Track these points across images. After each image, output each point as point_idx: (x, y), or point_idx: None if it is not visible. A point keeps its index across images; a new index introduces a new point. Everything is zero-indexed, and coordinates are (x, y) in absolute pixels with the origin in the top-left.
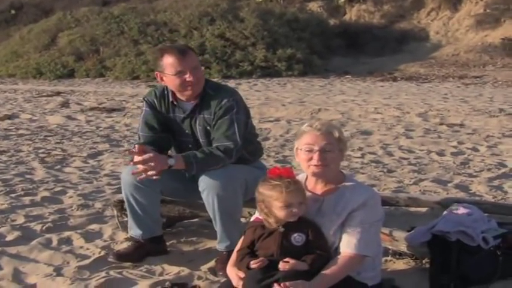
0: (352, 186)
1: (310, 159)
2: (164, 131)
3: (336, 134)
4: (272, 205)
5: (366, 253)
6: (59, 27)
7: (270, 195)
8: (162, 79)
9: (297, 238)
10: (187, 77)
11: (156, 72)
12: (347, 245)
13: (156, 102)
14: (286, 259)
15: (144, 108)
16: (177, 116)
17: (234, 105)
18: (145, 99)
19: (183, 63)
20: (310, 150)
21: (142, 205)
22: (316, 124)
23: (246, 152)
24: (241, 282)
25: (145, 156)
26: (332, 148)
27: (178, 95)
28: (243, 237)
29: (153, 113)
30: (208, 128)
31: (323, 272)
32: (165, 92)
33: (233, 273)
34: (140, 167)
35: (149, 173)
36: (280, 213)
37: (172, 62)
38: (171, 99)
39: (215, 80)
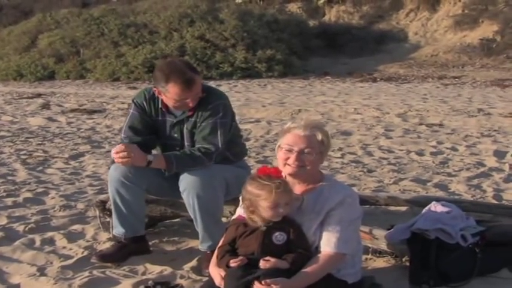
0: (330, 185)
1: (287, 158)
2: (149, 133)
3: (319, 137)
4: (259, 204)
5: (345, 251)
6: (39, 28)
7: (258, 195)
8: (159, 93)
9: (279, 237)
10: (189, 102)
11: (154, 88)
12: (327, 243)
13: (145, 105)
14: (267, 258)
15: (131, 110)
16: (167, 120)
17: (220, 109)
18: (135, 101)
19: (187, 94)
20: (289, 151)
21: (127, 202)
22: (301, 124)
23: (229, 153)
24: (223, 282)
25: (122, 147)
26: (311, 151)
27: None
28: (224, 235)
29: (141, 115)
30: (194, 130)
31: (304, 270)
32: (155, 96)
33: (215, 272)
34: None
35: (124, 160)
36: (267, 213)
37: (178, 91)
38: (160, 105)
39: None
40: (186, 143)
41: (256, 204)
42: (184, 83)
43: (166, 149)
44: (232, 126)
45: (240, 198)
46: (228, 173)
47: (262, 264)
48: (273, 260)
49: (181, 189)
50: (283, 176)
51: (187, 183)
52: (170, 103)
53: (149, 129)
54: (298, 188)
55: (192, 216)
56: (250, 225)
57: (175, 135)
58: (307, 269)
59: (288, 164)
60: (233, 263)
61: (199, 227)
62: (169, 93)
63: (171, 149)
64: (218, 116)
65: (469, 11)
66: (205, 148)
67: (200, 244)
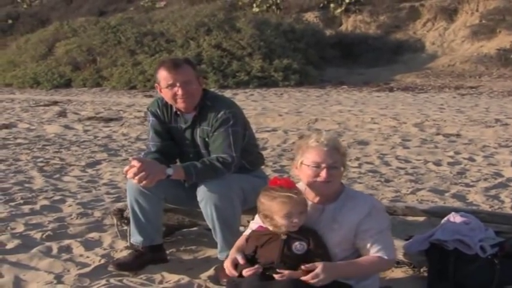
0: (353, 196)
1: (317, 175)
2: (170, 139)
3: (341, 150)
4: (273, 215)
5: (393, 257)
6: (56, 37)
7: (270, 206)
8: (160, 91)
9: (298, 247)
10: (177, 90)
11: (156, 84)
12: (376, 252)
13: (159, 112)
14: (281, 274)
15: (149, 118)
16: (179, 126)
17: (230, 117)
18: (149, 109)
19: (173, 77)
20: (317, 167)
21: (145, 211)
22: (322, 139)
23: (245, 162)
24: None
25: (136, 163)
26: (338, 165)
27: (175, 106)
28: (246, 243)
29: (158, 122)
30: (207, 139)
31: (352, 260)
32: (168, 102)
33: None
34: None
35: (144, 182)
36: (281, 223)
37: (164, 75)
38: (174, 109)
39: (211, 90)
40: (202, 151)
41: (270, 215)
42: (171, 65)
43: (183, 156)
44: (246, 134)
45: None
46: (245, 182)
47: (278, 277)
48: (286, 272)
49: (198, 199)
50: (296, 186)
51: (204, 193)
52: (166, 96)
53: (168, 135)
54: (318, 199)
55: (210, 226)
56: (270, 234)
57: (187, 141)
58: (358, 260)
59: (317, 181)
60: (246, 272)
61: (217, 236)
62: (161, 83)
63: (186, 156)
64: (229, 124)
65: (487, 21)
66: (222, 158)
67: (219, 253)
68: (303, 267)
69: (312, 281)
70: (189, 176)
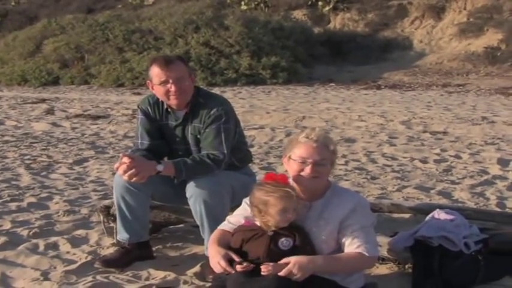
0: (339, 193)
1: (302, 170)
2: (160, 137)
3: (331, 147)
4: (268, 210)
5: (376, 254)
6: (44, 34)
7: (266, 201)
8: (152, 88)
9: (284, 243)
10: (169, 86)
11: (147, 81)
12: (358, 249)
13: (149, 110)
14: (266, 265)
15: (139, 116)
16: (169, 123)
17: (222, 114)
18: (140, 107)
19: (166, 73)
20: (303, 162)
21: (132, 208)
22: (312, 135)
23: (235, 159)
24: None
25: (126, 160)
26: (325, 162)
27: (167, 103)
28: (232, 237)
29: (148, 120)
30: (198, 136)
31: (333, 255)
32: (159, 100)
33: (215, 250)
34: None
35: (134, 178)
36: (275, 219)
37: (157, 72)
38: (165, 106)
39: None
40: (192, 148)
41: (265, 210)
42: (164, 61)
43: (172, 153)
44: (237, 132)
45: (246, 204)
46: (235, 180)
47: (264, 269)
48: (272, 265)
49: (188, 195)
50: (290, 183)
51: (194, 189)
52: (158, 93)
53: (157, 133)
54: (305, 196)
55: (198, 223)
56: (256, 230)
57: (177, 138)
58: (337, 255)
59: (303, 176)
60: (240, 268)
61: (205, 233)
62: (153, 79)
63: (175, 153)
64: (221, 121)
65: (474, 19)
66: (213, 155)
67: (206, 250)
68: (279, 262)
69: (289, 276)
70: (179, 172)
